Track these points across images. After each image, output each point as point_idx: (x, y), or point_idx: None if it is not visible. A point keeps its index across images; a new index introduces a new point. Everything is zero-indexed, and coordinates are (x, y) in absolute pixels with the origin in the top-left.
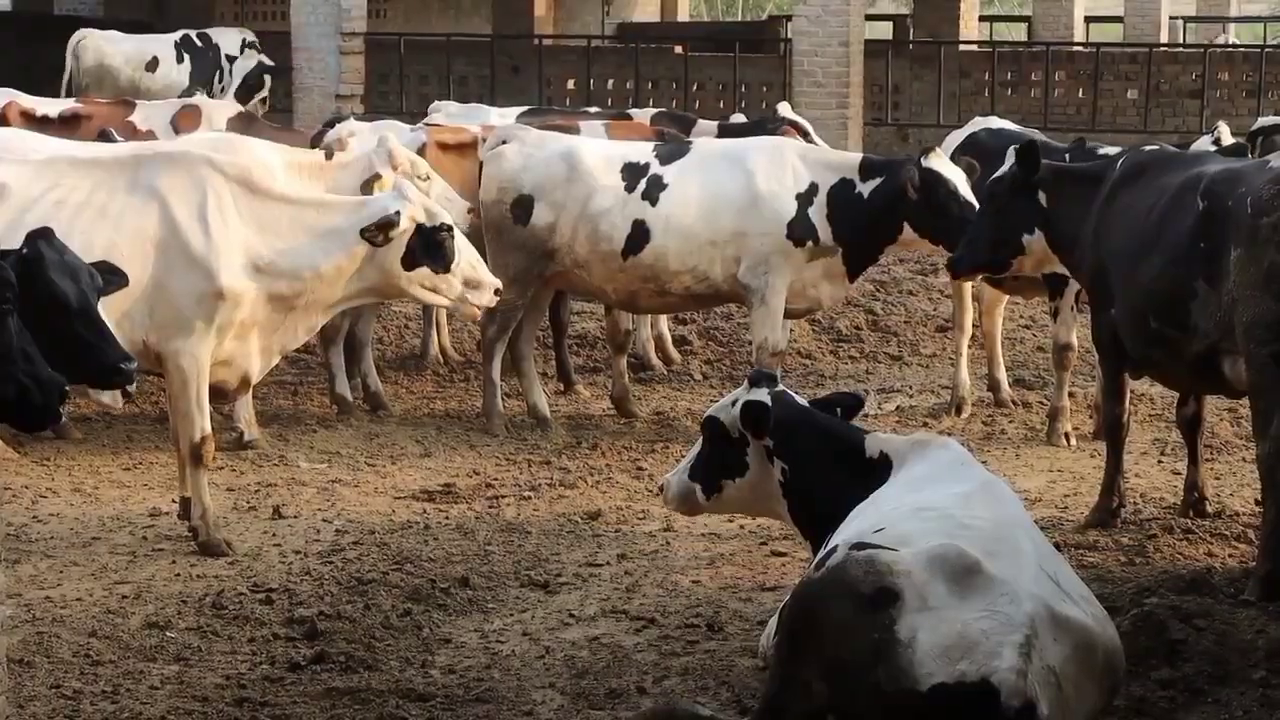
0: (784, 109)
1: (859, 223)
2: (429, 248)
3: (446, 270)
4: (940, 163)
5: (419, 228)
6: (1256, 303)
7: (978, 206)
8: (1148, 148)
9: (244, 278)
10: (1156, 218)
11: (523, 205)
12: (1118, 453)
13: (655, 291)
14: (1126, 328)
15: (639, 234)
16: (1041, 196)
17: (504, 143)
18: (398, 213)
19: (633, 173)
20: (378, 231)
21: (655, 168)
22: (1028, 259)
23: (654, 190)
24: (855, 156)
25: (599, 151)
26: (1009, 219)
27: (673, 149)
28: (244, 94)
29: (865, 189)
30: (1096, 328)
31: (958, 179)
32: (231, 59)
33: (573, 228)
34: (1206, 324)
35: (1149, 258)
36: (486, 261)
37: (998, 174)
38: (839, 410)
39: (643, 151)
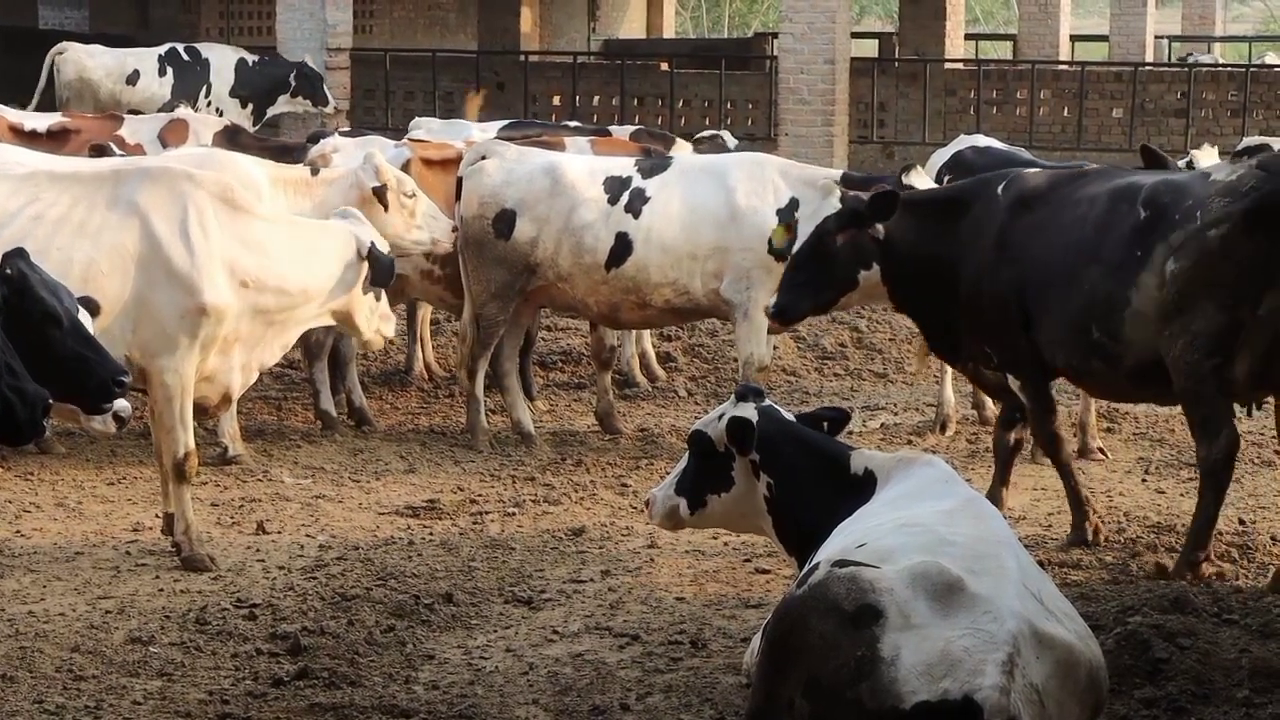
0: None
1: None
2: (379, 273)
3: (378, 300)
4: (921, 179)
5: (373, 252)
6: (1204, 314)
7: (801, 249)
8: (1029, 170)
9: (228, 293)
10: (1091, 229)
11: (505, 220)
12: (1066, 468)
13: (636, 304)
14: (1064, 341)
15: (622, 246)
16: (880, 230)
17: (483, 158)
18: (374, 243)
19: (615, 186)
20: (370, 258)
21: (638, 181)
22: (854, 295)
23: (637, 203)
24: (835, 173)
25: (581, 165)
26: (843, 258)
27: (655, 163)
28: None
29: None
30: (1008, 349)
31: None
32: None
33: (556, 241)
34: (1143, 334)
35: (1087, 268)
36: (467, 277)
37: (827, 214)
38: (825, 425)
39: (624, 165)
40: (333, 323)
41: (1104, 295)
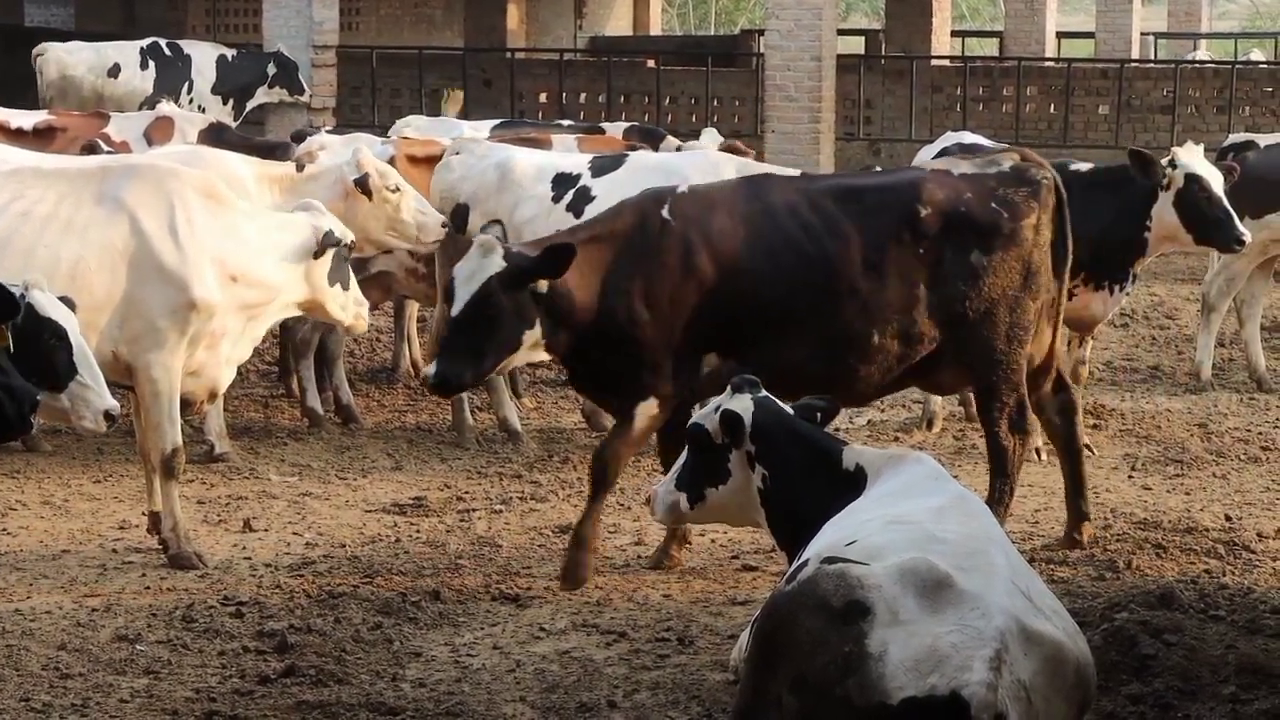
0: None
1: None
2: (342, 265)
3: (347, 288)
4: None
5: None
6: (1018, 304)
7: (461, 313)
8: (683, 186)
9: (216, 288)
10: (846, 235)
11: (459, 214)
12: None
13: None
14: (828, 356)
15: None
16: (542, 284)
17: (456, 154)
18: (333, 232)
19: (562, 184)
20: (324, 248)
21: (586, 179)
22: (519, 355)
23: (580, 202)
24: (794, 172)
25: (533, 161)
26: (506, 318)
27: (608, 161)
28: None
29: None
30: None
31: None
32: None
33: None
34: (930, 329)
35: (851, 275)
36: (438, 272)
37: (492, 272)
38: (818, 414)
39: (578, 163)
40: (299, 313)
41: (889, 298)
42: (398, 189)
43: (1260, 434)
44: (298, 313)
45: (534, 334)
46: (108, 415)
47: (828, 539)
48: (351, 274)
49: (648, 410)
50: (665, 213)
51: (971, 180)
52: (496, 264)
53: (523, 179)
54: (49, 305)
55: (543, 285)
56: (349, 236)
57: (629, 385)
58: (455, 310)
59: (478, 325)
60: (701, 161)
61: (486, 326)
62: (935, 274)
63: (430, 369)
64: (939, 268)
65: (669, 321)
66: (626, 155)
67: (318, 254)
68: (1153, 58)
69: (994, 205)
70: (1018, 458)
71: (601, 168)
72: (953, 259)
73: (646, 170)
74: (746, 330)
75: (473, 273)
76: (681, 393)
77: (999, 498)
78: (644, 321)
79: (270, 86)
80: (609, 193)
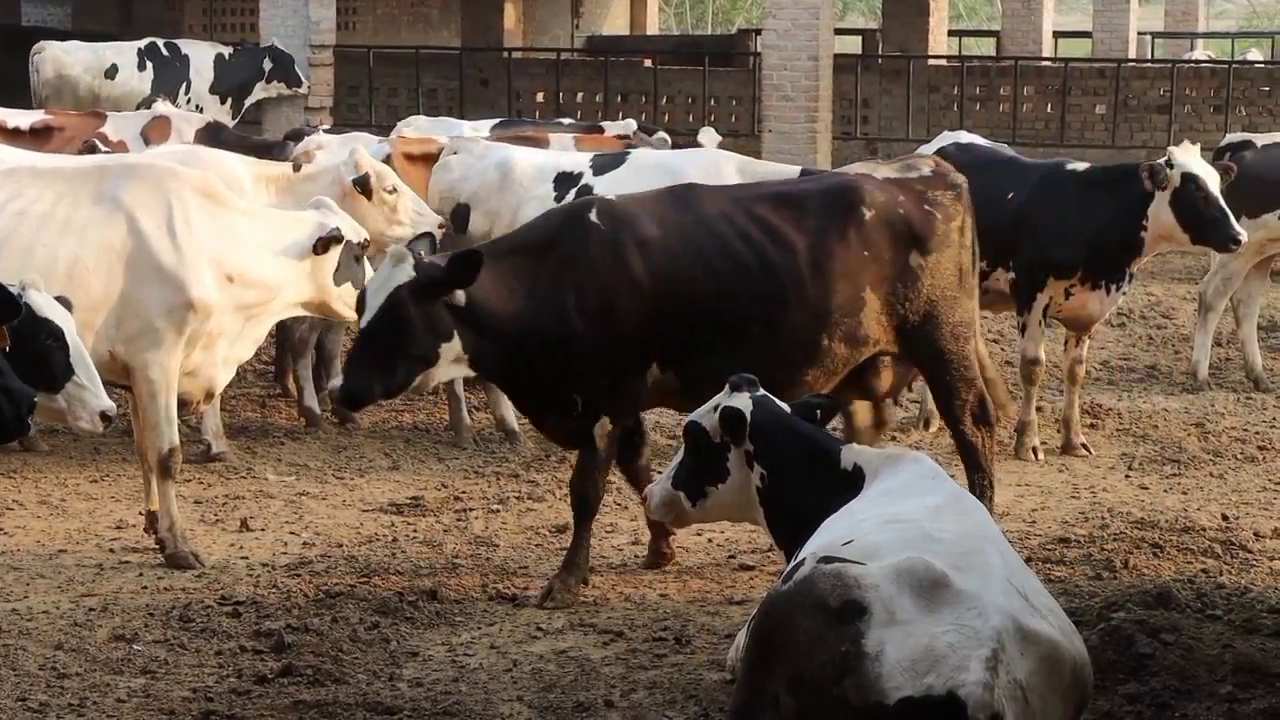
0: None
1: None
2: (352, 264)
3: (358, 287)
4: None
5: (347, 244)
6: (957, 304)
7: (369, 324)
8: (606, 196)
9: (214, 289)
10: (791, 242)
11: (460, 214)
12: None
13: None
14: (778, 362)
15: None
16: (459, 296)
17: (454, 154)
18: (338, 228)
19: (564, 183)
20: (324, 245)
21: (588, 178)
22: (440, 370)
23: None
24: (794, 169)
25: (534, 161)
26: (418, 330)
27: (609, 160)
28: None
29: None
30: (687, 378)
31: None
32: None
33: None
34: (875, 332)
35: (799, 280)
36: None
37: (400, 282)
38: (818, 411)
39: (579, 162)
40: (307, 313)
41: (837, 301)
42: (395, 190)
43: (1257, 433)
44: (304, 312)
45: (453, 347)
46: (104, 416)
47: (824, 538)
48: (368, 273)
49: (603, 429)
50: (593, 218)
51: (902, 184)
52: (406, 274)
53: (524, 178)
54: (46, 306)
55: (460, 297)
56: (360, 235)
57: (582, 407)
58: (364, 322)
59: (387, 337)
60: (702, 160)
61: (396, 338)
62: (878, 277)
63: (335, 382)
64: (881, 270)
65: (609, 333)
66: (628, 154)
67: (318, 251)
68: (1150, 57)
69: (927, 207)
70: (988, 449)
71: (603, 166)
72: (893, 261)
73: (648, 169)
74: (689, 339)
75: (383, 283)
76: (631, 407)
77: (980, 492)
78: (583, 334)
79: (268, 82)
80: (611, 191)
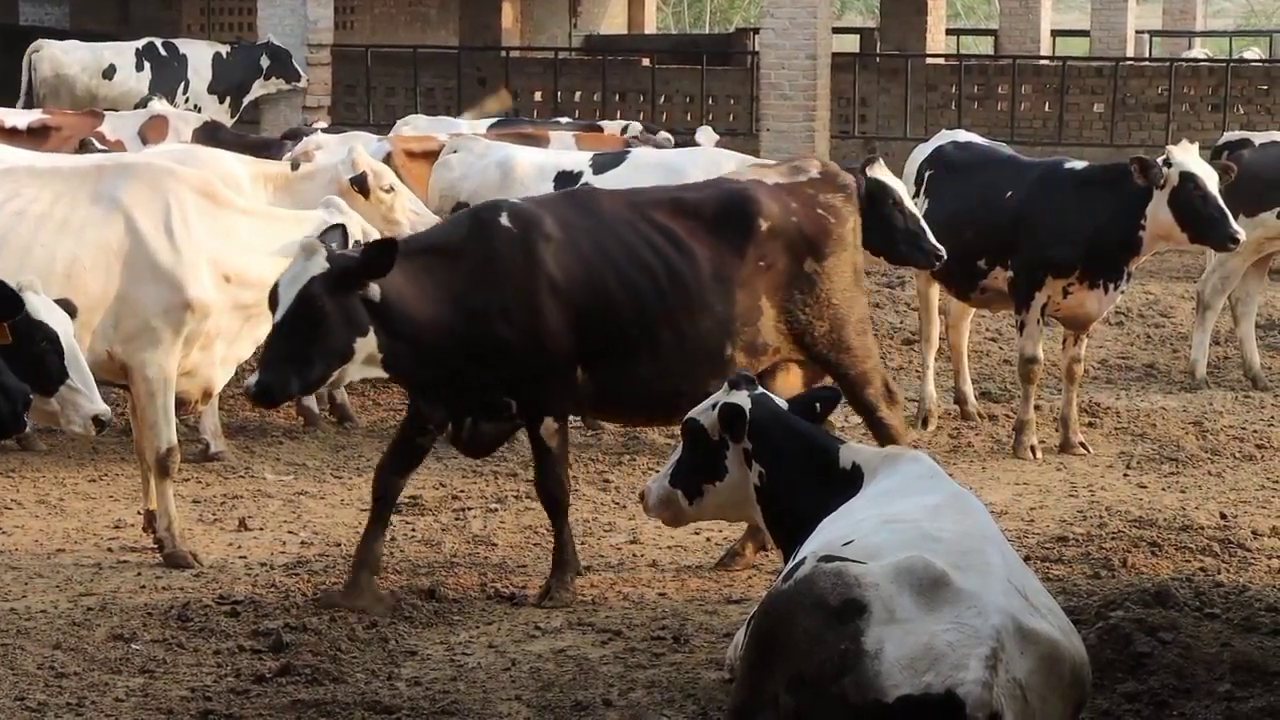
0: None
1: None
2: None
3: None
4: (884, 172)
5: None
6: (855, 301)
7: (283, 318)
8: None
9: (211, 288)
10: (691, 249)
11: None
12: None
13: None
14: (683, 372)
15: None
16: (374, 290)
17: (454, 152)
18: (342, 225)
19: (564, 182)
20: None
21: (588, 176)
22: (353, 368)
23: None
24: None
25: (534, 160)
26: (333, 323)
27: (609, 159)
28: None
29: None
30: (620, 382)
31: (901, 190)
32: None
33: None
34: (774, 340)
35: (703, 289)
36: None
37: (313, 274)
38: (818, 404)
39: (579, 161)
40: None
41: (737, 310)
42: (392, 189)
43: (1255, 432)
44: None
45: (368, 343)
46: (97, 421)
47: (824, 537)
48: None
49: (549, 429)
50: (505, 221)
51: (793, 190)
52: (319, 265)
53: (525, 177)
54: (42, 308)
55: (375, 292)
56: (370, 235)
57: (517, 409)
58: (277, 316)
59: (301, 331)
60: (702, 159)
61: (311, 332)
62: (774, 285)
63: (251, 379)
64: (777, 279)
65: (538, 335)
66: (628, 152)
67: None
68: (1148, 56)
69: (819, 212)
70: (902, 425)
71: (603, 165)
72: (789, 270)
73: (648, 167)
74: (603, 343)
75: (295, 276)
76: (570, 404)
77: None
78: (513, 340)
79: (266, 78)
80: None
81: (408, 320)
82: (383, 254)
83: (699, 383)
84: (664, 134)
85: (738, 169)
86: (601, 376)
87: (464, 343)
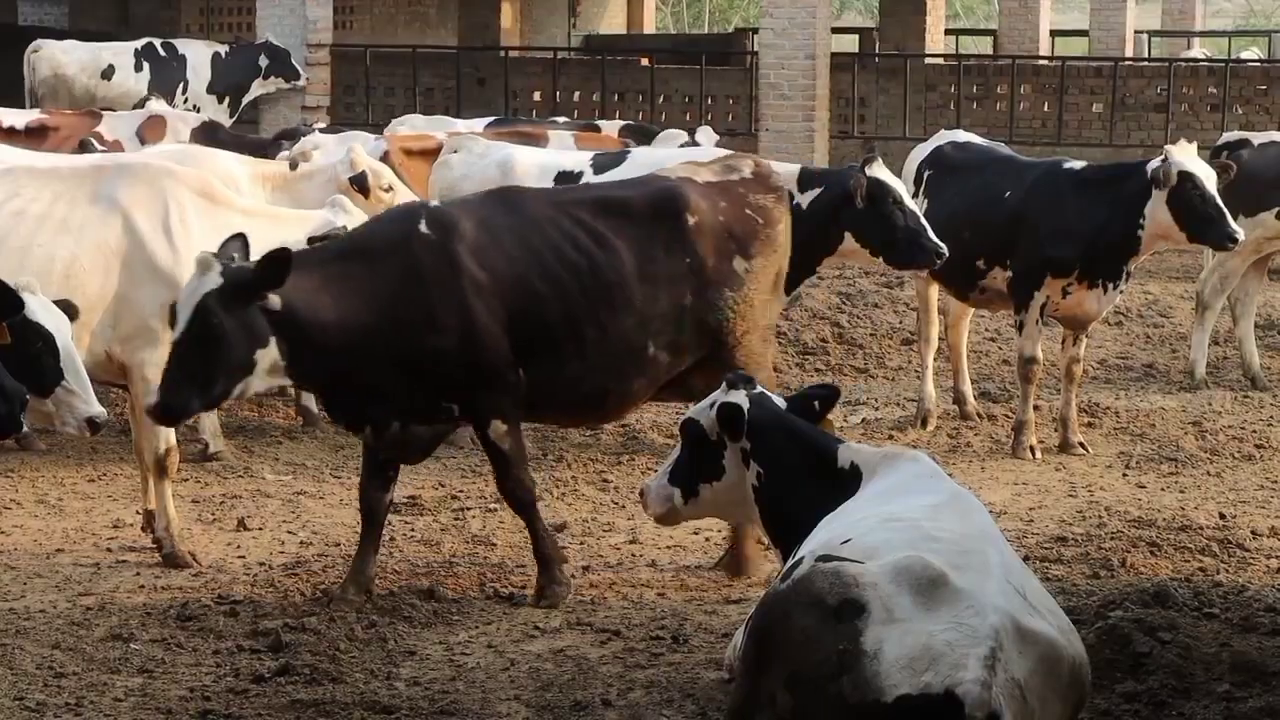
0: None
1: (797, 235)
2: None
3: None
4: (884, 171)
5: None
6: (770, 307)
7: (180, 336)
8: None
9: None
10: (616, 247)
11: None
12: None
13: None
14: (608, 370)
15: None
16: (274, 301)
17: (455, 152)
18: (344, 226)
19: (564, 181)
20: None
21: (588, 176)
22: (256, 380)
23: None
24: (793, 167)
25: (535, 160)
26: (232, 338)
27: (610, 158)
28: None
29: (804, 200)
30: (574, 382)
31: (900, 188)
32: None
33: None
34: (694, 339)
35: (626, 287)
36: None
37: (208, 290)
38: (817, 403)
39: (579, 160)
40: None
41: (663, 310)
42: (390, 188)
43: (1254, 432)
44: None
45: (269, 353)
46: (91, 423)
47: (823, 537)
48: None
49: (498, 431)
50: (423, 227)
51: (724, 188)
52: (213, 281)
53: (525, 177)
54: (39, 309)
55: (275, 302)
56: None
57: (460, 412)
58: (175, 334)
59: (200, 348)
60: (703, 157)
61: (209, 348)
62: (700, 284)
63: (152, 398)
64: (703, 277)
65: (473, 340)
66: (628, 152)
67: None
68: (1147, 56)
69: (749, 212)
70: None
71: (604, 164)
72: (716, 268)
73: (649, 167)
74: (531, 342)
75: (190, 293)
76: (515, 403)
77: None
78: (448, 347)
79: (265, 78)
80: None
81: (317, 327)
82: (277, 265)
83: (625, 380)
84: (671, 131)
85: (671, 166)
86: (531, 376)
87: (394, 352)
